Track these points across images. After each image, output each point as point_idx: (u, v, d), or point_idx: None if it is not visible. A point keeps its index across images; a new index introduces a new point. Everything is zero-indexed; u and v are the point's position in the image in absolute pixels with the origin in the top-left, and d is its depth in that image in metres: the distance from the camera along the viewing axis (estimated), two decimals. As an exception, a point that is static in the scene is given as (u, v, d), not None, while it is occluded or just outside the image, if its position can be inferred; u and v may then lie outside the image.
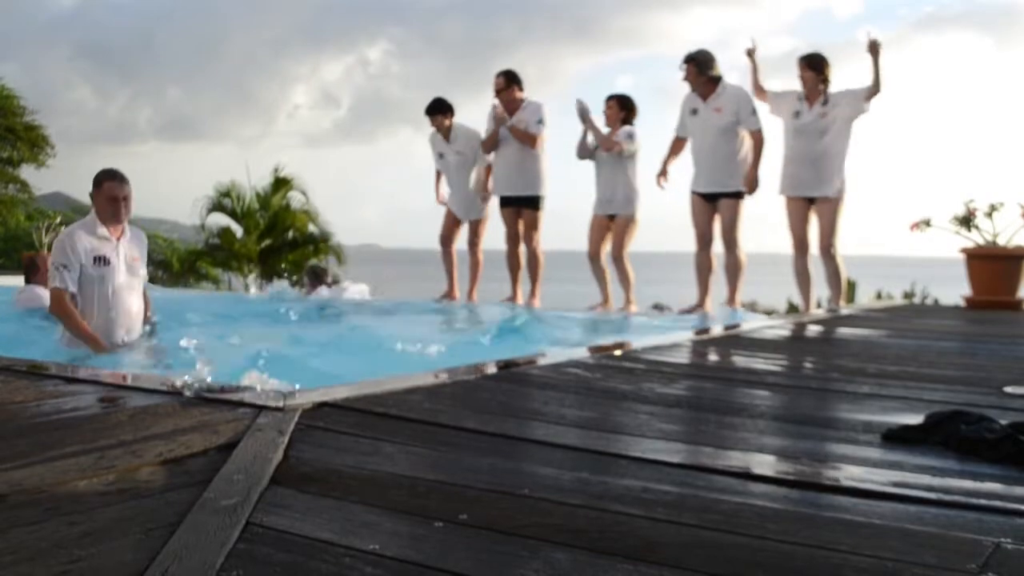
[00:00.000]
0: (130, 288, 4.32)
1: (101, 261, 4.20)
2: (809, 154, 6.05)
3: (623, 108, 6.61)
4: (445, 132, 6.94)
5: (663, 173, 6.52)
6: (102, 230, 4.23)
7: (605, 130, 6.59)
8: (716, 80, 6.18)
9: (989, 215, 7.24)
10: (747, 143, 6.18)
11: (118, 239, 4.28)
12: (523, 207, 6.80)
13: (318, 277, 8.14)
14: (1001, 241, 7.27)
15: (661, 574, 1.29)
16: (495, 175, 6.90)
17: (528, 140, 6.55)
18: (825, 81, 6.05)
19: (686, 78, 6.23)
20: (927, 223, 7.44)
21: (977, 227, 7.29)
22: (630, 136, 6.55)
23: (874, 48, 5.93)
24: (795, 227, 6.26)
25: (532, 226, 6.80)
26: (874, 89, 5.94)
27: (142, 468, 1.77)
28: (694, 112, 6.28)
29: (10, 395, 2.55)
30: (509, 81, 6.67)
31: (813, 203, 6.15)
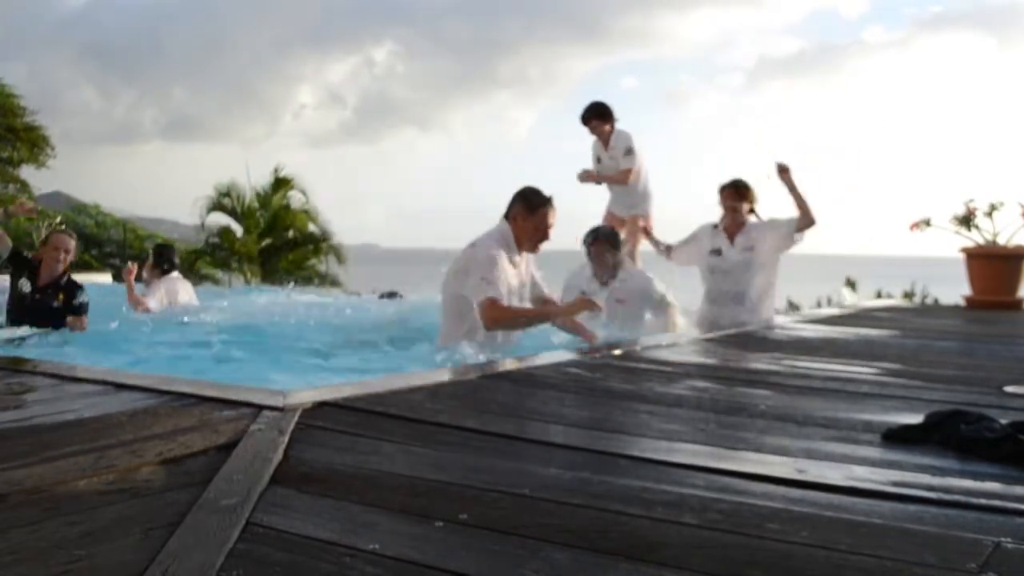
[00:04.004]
0: None
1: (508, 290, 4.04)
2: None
3: (607, 119, 6.64)
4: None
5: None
6: (517, 257, 4.04)
7: (595, 156, 6.74)
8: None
9: (989, 215, 7.25)
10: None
11: (524, 267, 4.11)
12: None
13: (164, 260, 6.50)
14: (1001, 241, 7.28)
15: (661, 574, 1.29)
16: None
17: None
18: None
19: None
20: (927, 223, 7.44)
21: (977, 227, 7.29)
22: (629, 151, 6.57)
23: (783, 173, 5.56)
24: None
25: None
26: (804, 221, 5.58)
27: (142, 468, 1.77)
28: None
29: (10, 394, 2.55)
30: None
31: None
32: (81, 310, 5.49)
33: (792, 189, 5.53)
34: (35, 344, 5.04)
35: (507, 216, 4.21)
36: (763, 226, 5.70)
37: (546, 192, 4.23)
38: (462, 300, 4.09)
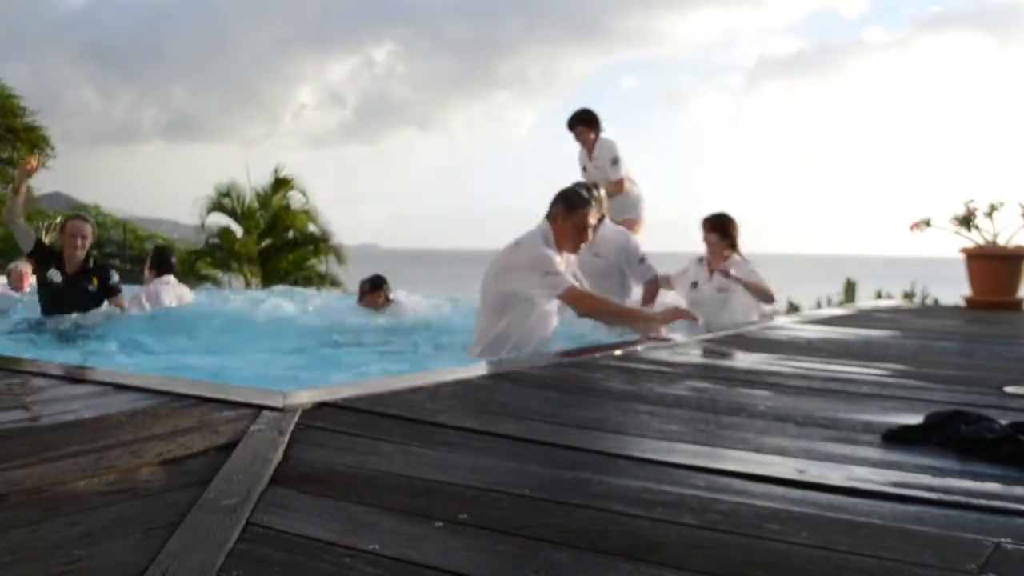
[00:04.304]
0: (555, 315, 4.17)
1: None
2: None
3: (592, 126, 6.61)
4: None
5: None
6: (558, 258, 4.07)
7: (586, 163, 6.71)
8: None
9: (989, 215, 7.25)
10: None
11: (565, 268, 4.15)
12: None
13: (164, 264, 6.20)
14: (1001, 241, 7.28)
15: (661, 574, 1.29)
16: None
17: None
18: None
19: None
20: (927, 223, 7.45)
21: (977, 227, 7.30)
22: (615, 161, 6.55)
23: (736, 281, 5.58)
24: None
25: None
26: (766, 300, 5.66)
27: (142, 468, 1.77)
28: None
29: (10, 395, 2.55)
30: None
31: None
32: (117, 290, 5.56)
33: (744, 285, 5.54)
34: (79, 324, 5.11)
35: (548, 216, 4.23)
36: (745, 273, 5.57)
37: (548, 193, 4.24)
38: (505, 296, 4.09)
